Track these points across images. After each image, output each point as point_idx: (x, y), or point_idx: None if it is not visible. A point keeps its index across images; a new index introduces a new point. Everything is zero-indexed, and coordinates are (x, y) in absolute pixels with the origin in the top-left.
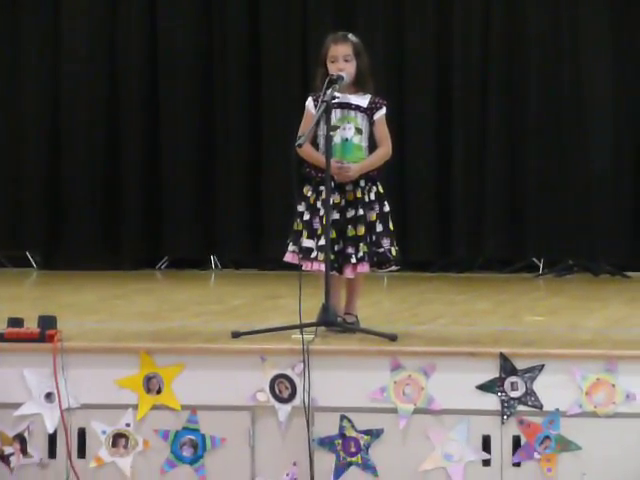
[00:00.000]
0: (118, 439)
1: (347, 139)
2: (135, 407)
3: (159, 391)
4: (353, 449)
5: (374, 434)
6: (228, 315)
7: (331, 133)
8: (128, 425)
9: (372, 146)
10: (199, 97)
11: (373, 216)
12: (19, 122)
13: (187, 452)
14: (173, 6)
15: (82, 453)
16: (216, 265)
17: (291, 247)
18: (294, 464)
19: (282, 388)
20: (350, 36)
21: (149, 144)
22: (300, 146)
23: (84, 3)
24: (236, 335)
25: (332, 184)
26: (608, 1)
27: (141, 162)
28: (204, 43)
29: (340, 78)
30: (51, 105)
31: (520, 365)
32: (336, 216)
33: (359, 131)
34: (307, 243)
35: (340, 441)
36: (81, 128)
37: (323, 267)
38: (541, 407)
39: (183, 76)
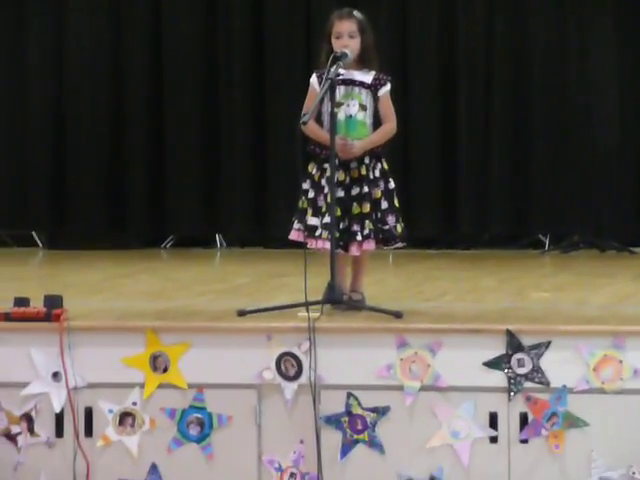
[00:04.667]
0: (125, 418)
1: (351, 116)
2: (142, 386)
3: (165, 370)
4: (360, 427)
5: (380, 412)
6: (233, 293)
7: (335, 110)
8: (135, 404)
9: (377, 123)
10: (203, 75)
11: (378, 193)
12: (24, 105)
13: (194, 430)
14: None
15: (89, 432)
16: (221, 244)
17: (296, 225)
18: (301, 442)
19: (288, 366)
20: (355, 12)
21: (154, 123)
22: (305, 124)
23: (88, 3)
24: (242, 313)
25: (337, 161)
26: None
27: (146, 141)
28: (207, 25)
29: (344, 55)
30: (56, 88)
31: (527, 342)
32: (341, 194)
33: (363, 108)
34: (312, 221)
35: (347, 419)
36: (85, 108)
37: (328, 245)
38: (548, 384)
39: (186, 56)
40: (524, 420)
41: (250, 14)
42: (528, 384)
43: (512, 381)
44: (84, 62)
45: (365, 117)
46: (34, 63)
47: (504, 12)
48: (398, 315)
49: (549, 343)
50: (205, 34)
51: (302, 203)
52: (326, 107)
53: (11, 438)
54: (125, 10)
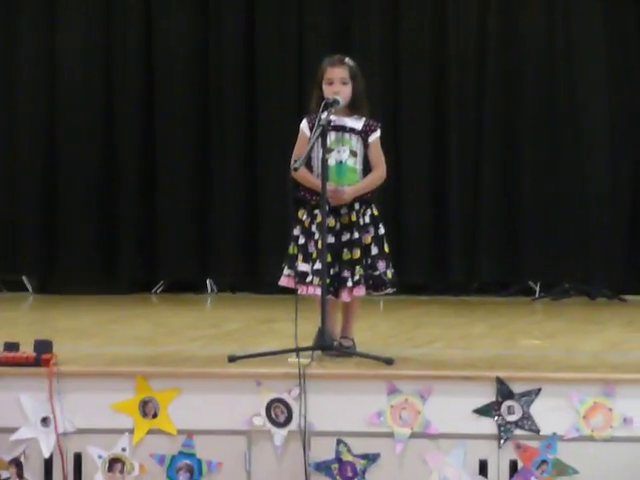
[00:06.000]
0: (114, 464)
1: (342, 162)
2: (131, 431)
3: (155, 415)
4: (350, 474)
5: (371, 458)
6: (224, 339)
7: (326, 156)
8: (124, 450)
9: (367, 169)
10: (195, 121)
11: (368, 239)
12: (14, 146)
13: (183, 477)
14: (168, 35)
15: (78, 478)
16: (212, 289)
17: (286, 271)
18: None
19: (278, 412)
20: (347, 59)
21: (145, 167)
22: (296, 170)
23: (79, 7)
24: (232, 359)
25: (327, 207)
26: (602, 13)
27: (137, 185)
28: (199, 69)
29: (336, 102)
30: (46, 128)
31: (517, 389)
32: (331, 240)
33: (354, 154)
34: (302, 267)
35: (337, 465)
36: (77, 153)
37: (319, 291)
38: (538, 431)
39: (178, 104)
40: (514, 467)
41: (242, 60)
42: (518, 431)
43: (502, 428)
44: (74, 104)
45: (355, 163)
46: (22, 103)
47: (497, 63)
48: (389, 362)
49: (539, 390)
50: (197, 78)
51: (292, 249)
52: (317, 153)
53: None
54: (114, 60)
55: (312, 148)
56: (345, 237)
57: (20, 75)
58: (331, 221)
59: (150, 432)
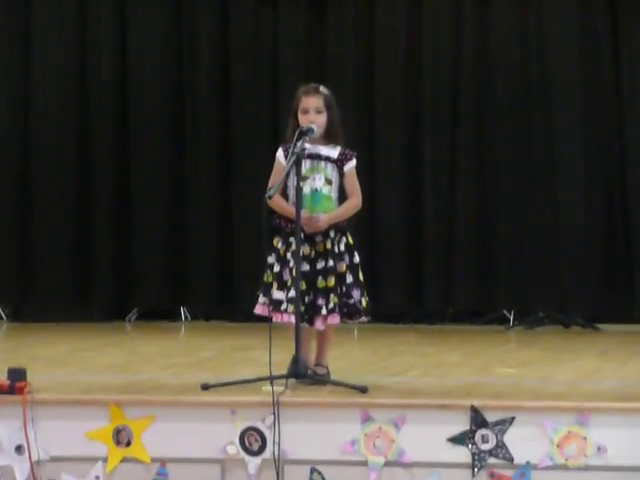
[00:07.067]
0: None
1: (317, 190)
2: (105, 459)
3: (129, 443)
4: None
5: None
6: (198, 367)
7: (301, 184)
8: (98, 478)
9: (342, 197)
10: (169, 146)
11: (343, 267)
12: None
13: None
14: (141, 65)
15: None
16: (186, 317)
17: (261, 299)
18: None
19: (252, 441)
20: (321, 88)
21: (119, 195)
22: (270, 197)
23: (54, 24)
24: (206, 387)
25: (302, 235)
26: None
27: (111, 213)
28: (173, 97)
29: (310, 130)
30: (19, 153)
31: (491, 417)
32: (306, 267)
33: (329, 182)
34: (277, 295)
35: None
36: (50, 180)
37: (293, 319)
38: (512, 460)
39: (153, 136)
40: None
41: (216, 88)
42: (492, 460)
43: (476, 457)
44: (47, 132)
45: (330, 191)
46: None
47: (471, 91)
48: (363, 390)
49: (513, 419)
50: (171, 106)
51: (267, 277)
52: (292, 181)
53: None
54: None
55: (287, 176)
56: (320, 265)
57: None
58: (306, 249)
59: (124, 460)
